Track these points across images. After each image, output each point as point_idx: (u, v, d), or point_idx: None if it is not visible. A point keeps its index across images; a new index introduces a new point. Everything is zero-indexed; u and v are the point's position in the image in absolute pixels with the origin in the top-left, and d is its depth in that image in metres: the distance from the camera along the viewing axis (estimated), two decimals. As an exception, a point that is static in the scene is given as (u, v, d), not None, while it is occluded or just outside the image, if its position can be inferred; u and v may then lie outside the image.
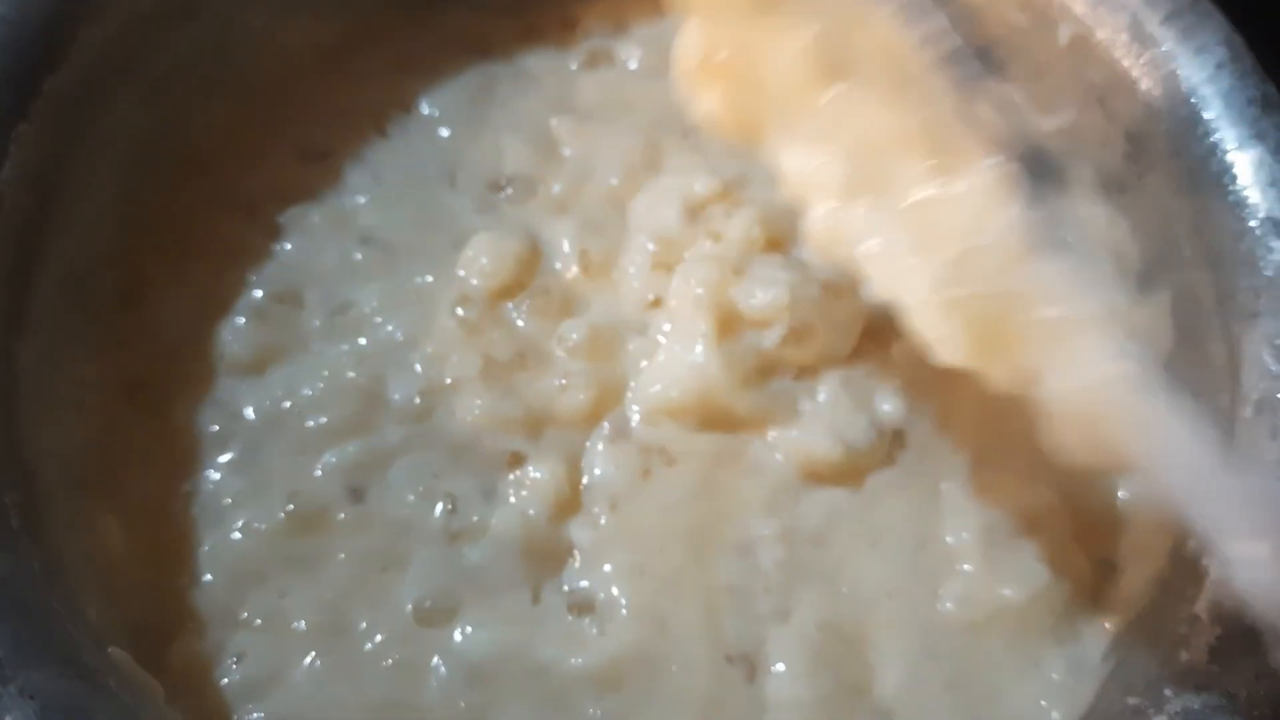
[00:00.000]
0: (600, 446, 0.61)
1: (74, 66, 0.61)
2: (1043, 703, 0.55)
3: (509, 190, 0.69)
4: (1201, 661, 0.48)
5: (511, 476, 0.60)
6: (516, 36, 0.74)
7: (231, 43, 0.70)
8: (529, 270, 0.66)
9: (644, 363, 0.63)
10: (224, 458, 0.61)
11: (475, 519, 0.59)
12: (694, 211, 0.67)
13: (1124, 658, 0.55)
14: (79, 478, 0.58)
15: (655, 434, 0.62)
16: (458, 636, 0.57)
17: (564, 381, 0.62)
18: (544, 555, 0.59)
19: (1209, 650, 0.49)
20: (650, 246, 0.66)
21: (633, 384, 0.63)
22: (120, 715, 0.46)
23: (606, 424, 0.62)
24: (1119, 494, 0.61)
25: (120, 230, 0.65)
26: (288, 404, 0.62)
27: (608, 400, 0.63)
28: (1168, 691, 0.48)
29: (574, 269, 0.66)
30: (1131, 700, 0.49)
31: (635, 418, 0.62)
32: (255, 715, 0.54)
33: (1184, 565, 0.54)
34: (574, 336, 0.64)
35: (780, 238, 0.66)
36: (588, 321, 0.65)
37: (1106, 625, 0.57)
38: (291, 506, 0.59)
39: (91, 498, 0.58)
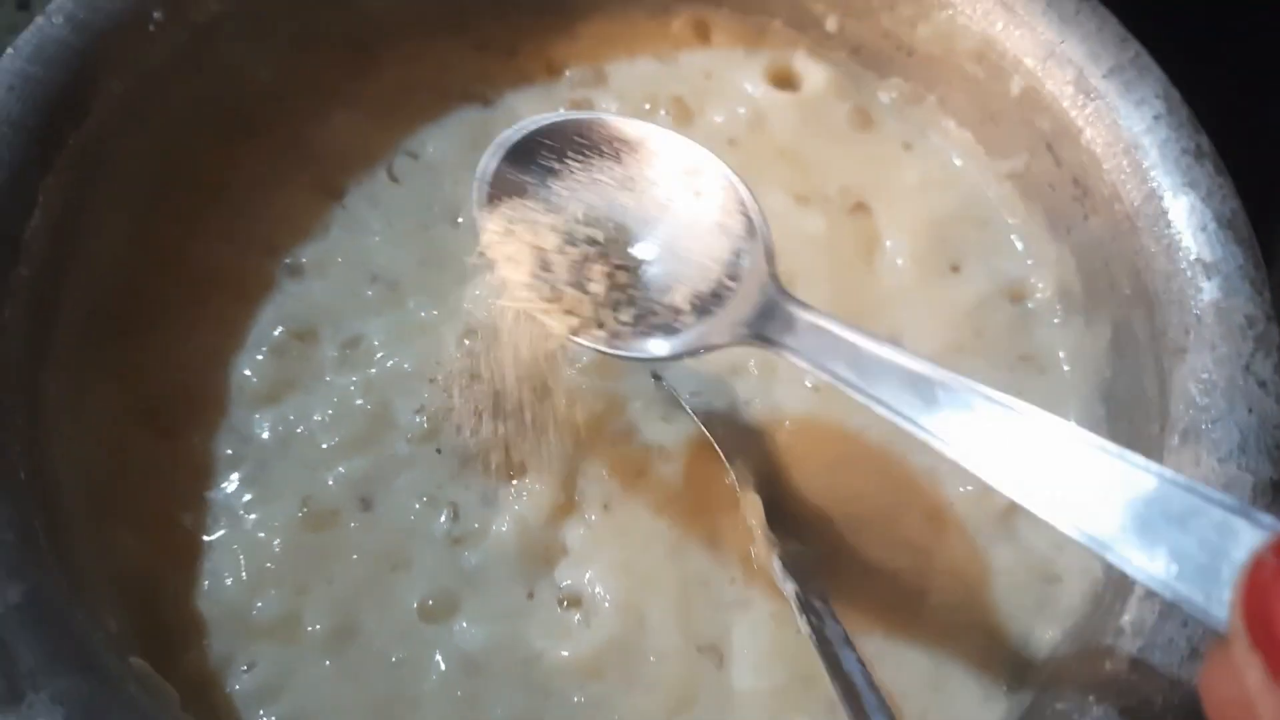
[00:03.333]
0: (600, 450, 0.67)
1: (96, 117, 0.65)
2: (983, 706, 0.60)
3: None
4: (1123, 671, 0.53)
5: (512, 486, 0.66)
6: (508, 80, 0.80)
7: (239, 90, 0.75)
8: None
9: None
10: (236, 475, 0.65)
11: (476, 525, 0.65)
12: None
13: (1058, 667, 0.59)
14: (99, 499, 0.62)
15: (657, 432, 0.67)
16: (457, 631, 0.62)
17: (573, 397, 0.67)
18: (539, 556, 0.64)
19: (1130, 661, 0.53)
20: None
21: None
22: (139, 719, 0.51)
23: (608, 431, 0.67)
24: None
25: (141, 266, 0.69)
26: (300, 429, 0.67)
27: (612, 412, 0.68)
28: (1091, 698, 0.53)
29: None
30: (1060, 706, 0.54)
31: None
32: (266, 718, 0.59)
33: (1114, 581, 0.59)
34: (585, 356, 0.69)
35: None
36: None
37: (1048, 635, 0.62)
38: (306, 510, 0.64)
39: (110, 517, 0.62)
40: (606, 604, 0.63)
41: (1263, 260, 0.62)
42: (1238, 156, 0.65)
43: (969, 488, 0.66)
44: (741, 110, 0.79)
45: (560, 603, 0.63)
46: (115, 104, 0.67)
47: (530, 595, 0.63)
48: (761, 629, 0.62)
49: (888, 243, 0.74)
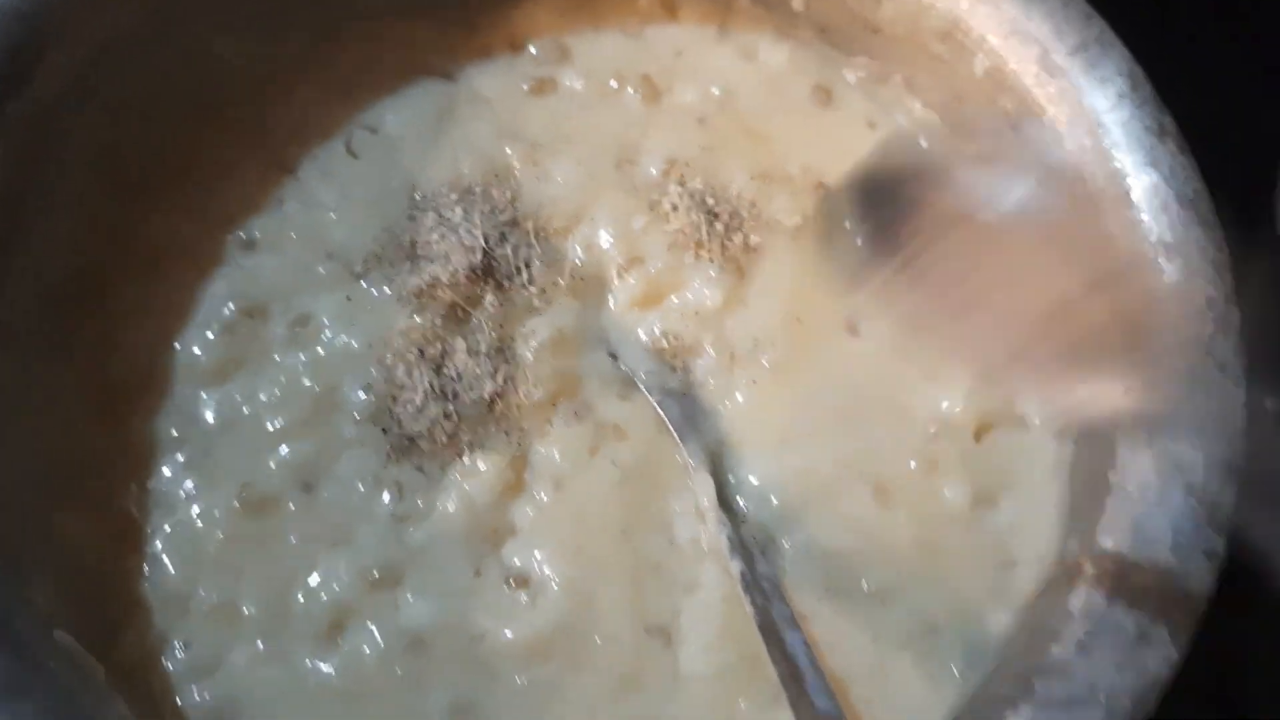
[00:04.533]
0: (553, 429, 0.66)
1: (40, 88, 0.64)
2: (931, 691, 0.59)
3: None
4: (1069, 654, 0.52)
5: (459, 465, 0.65)
6: (470, 54, 0.78)
7: (198, 65, 0.73)
8: (489, 284, 0.70)
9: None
10: (180, 457, 0.65)
11: (420, 504, 0.64)
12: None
13: (1008, 651, 0.58)
14: (36, 478, 0.61)
15: (612, 411, 0.67)
16: (400, 605, 0.61)
17: (526, 375, 0.67)
18: (486, 535, 0.63)
19: (1076, 644, 0.52)
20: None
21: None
22: (58, 694, 0.50)
23: (562, 409, 0.67)
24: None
25: (92, 242, 0.68)
26: (246, 409, 0.66)
27: (566, 390, 0.67)
28: (1036, 682, 0.52)
29: (533, 287, 0.70)
30: (1004, 689, 0.53)
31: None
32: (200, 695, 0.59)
33: (1068, 565, 0.58)
34: (540, 335, 0.68)
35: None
36: (551, 323, 0.69)
37: (1002, 619, 0.61)
38: (244, 496, 0.63)
39: (47, 496, 0.61)
40: (555, 585, 0.62)
41: (1224, 242, 0.61)
42: (1202, 134, 0.64)
43: (914, 463, 0.65)
44: (716, 90, 0.77)
45: (508, 582, 0.62)
46: (62, 74, 0.65)
47: (477, 573, 0.62)
48: (712, 610, 0.62)
49: (847, 223, 0.73)
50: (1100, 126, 0.64)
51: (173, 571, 0.61)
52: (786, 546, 0.63)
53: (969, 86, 0.71)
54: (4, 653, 0.50)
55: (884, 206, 0.58)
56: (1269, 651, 0.72)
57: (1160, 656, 0.51)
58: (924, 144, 0.74)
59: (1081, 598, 0.54)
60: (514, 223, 0.72)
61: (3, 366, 0.62)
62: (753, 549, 0.62)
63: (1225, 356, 0.58)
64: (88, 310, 0.67)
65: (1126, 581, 0.53)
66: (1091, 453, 0.61)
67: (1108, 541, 0.55)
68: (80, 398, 0.65)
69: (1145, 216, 0.62)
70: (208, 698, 0.59)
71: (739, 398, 0.68)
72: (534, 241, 0.71)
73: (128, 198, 0.70)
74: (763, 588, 0.59)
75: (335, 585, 0.61)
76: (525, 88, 0.77)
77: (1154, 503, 0.55)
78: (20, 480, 0.60)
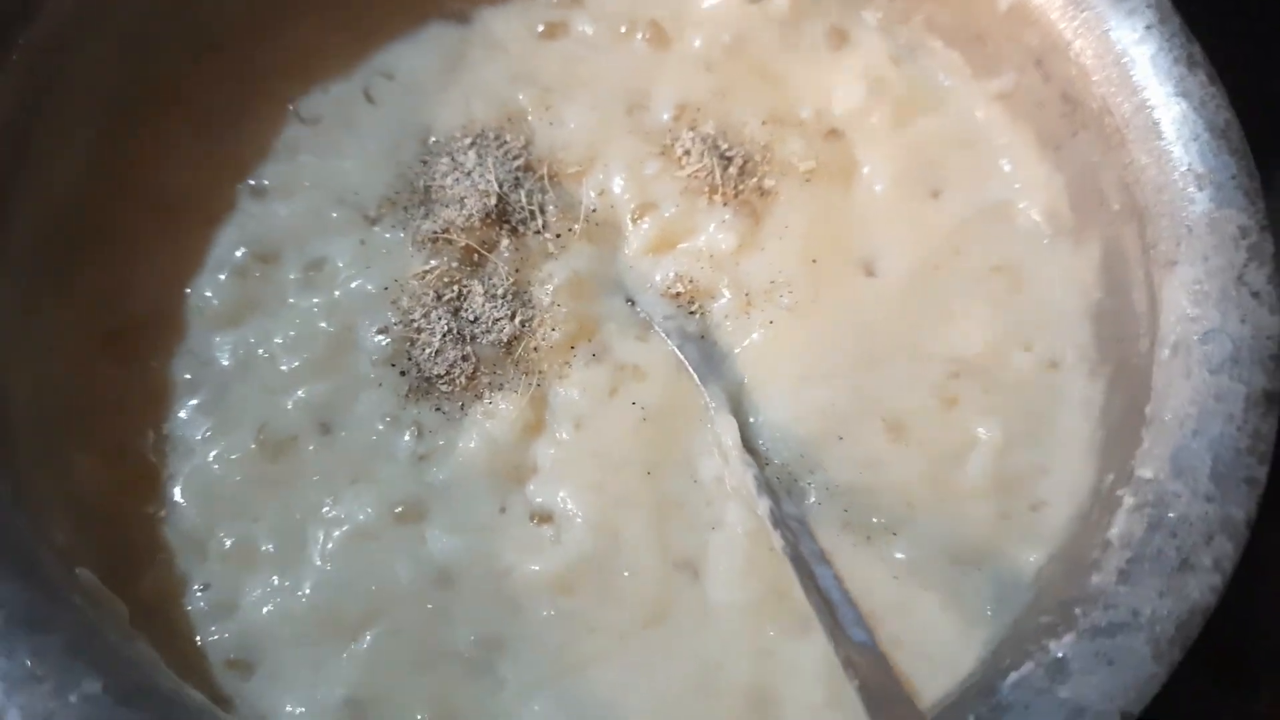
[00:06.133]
0: (572, 370, 0.65)
1: (47, 19, 0.63)
2: (962, 630, 0.58)
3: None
4: (1110, 583, 0.51)
5: (479, 405, 0.64)
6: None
7: (206, 4, 0.72)
8: (504, 228, 0.69)
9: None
10: (194, 400, 0.63)
11: (442, 443, 0.63)
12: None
13: (1044, 585, 0.57)
14: (51, 417, 0.61)
15: (630, 352, 0.66)
16: (427, 540, 0.61)
17: (543, 318, 0.66)
18: (509, 473, 0.63)
19: (1118, 573, 0.51)
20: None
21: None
22: (81, 627, 0.49)
23: (580, 351, 0.66)
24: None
25: (100, 184, 0.67)
26: (261, 351, 0.65)
27: (584, 332, 0.66)
28: (1078, 610, 0.51)
29: (548, 232, 0.69)
30: (1045, 619, 0.52)
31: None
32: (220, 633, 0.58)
33: (1101, 497, 0.57)
34: (557, 279, 0.67)
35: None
36: (567, 267, 0.68)
37: (1032, 558, 0.60)
38: (262, 438, 0.62)
39: (63, 436, 0.61)
40: (579, 520, 0.61)
41: (1256, 170, 0.60)
42: (1236, 71, 0.63)
43: (934, 403, 0.65)
44: (725, 35, 0.76)
45: (532, 518, 0.62)
46: (69, 5, 0.64)
47: (502, 510, 0.62)
48: (736, 546, 0.61)
49: (865, 168, 0.72)
50: (1128, 58, 0.63)
51: (192, 515, 0.60)
52: (808, 486, 0.62)
53: (992, 22, 0.71)
54: (28, 587, 0.49)
55: None
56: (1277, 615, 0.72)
57: (1204, 583, 0.50)
58: (945, 82, 0.74)
59: (1120, 528, 0.53)
60: (528, 167, 0.71)
61: (9, 303, 0.61)
62: (778, 490, 0.61)
63: (1259, 284, 0.57)
64: (94, 252, 0.66)
65: (1166, 510, 0.52)
66: (1125, 389, 0.60)
67: (1146, 472, 0.54)
68: (89, 340, 0.64)
69: (1175, 147, 0.61)
70: (228, 636, 0.58)
71: (756, 338, 0.67)
72: (548, 186, 0.70)
73: (137, 141, 0.69)
74: (790, 526, 0.58)
75: (360, 516, 0.60)
76: (539, 30, 0.76)
77: (1192, 432, 0.54)
78: (30, 419, 0.59)
